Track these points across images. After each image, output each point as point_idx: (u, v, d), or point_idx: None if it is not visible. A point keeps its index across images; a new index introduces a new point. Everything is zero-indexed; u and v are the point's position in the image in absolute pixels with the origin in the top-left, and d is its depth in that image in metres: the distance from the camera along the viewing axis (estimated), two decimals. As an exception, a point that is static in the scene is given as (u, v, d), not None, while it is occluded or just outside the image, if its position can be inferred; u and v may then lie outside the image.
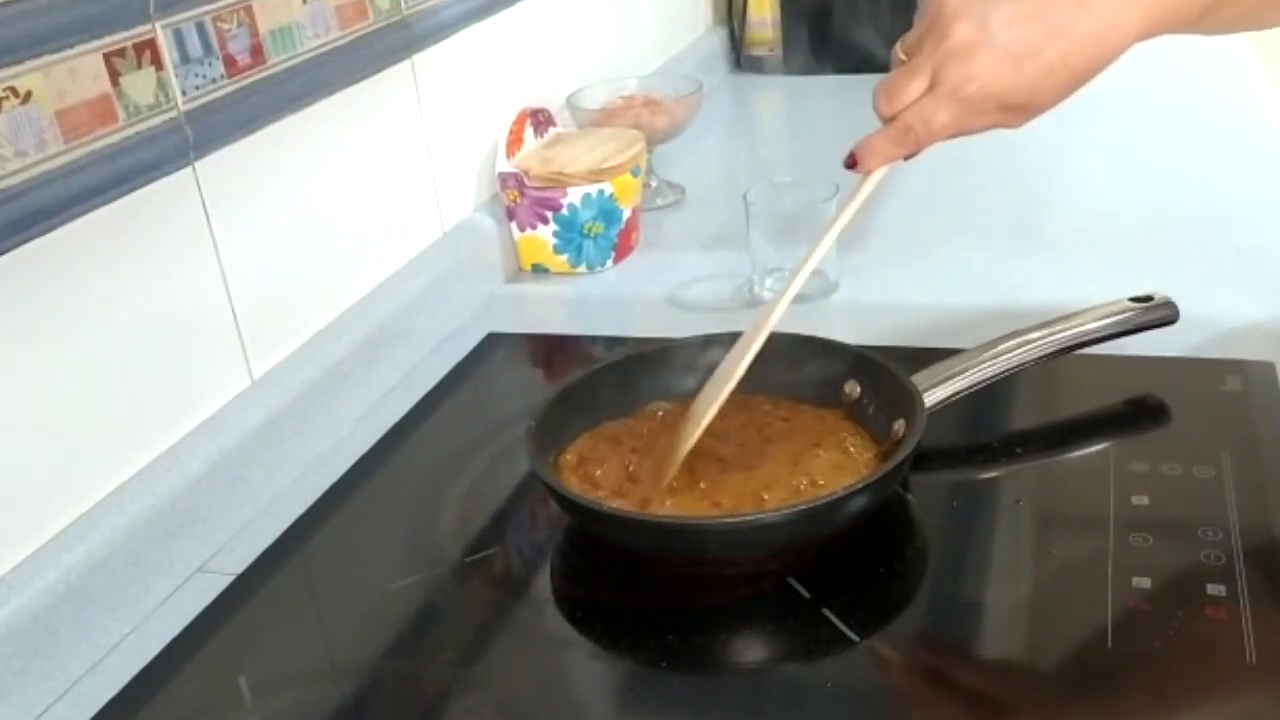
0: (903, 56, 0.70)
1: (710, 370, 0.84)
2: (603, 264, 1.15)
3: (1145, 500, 0.73)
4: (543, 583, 0.74)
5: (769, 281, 1.06)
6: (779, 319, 0.75)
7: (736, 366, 0.74)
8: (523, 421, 0.77)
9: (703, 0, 1.81)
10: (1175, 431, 0.81)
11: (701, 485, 0.74)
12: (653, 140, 1.25)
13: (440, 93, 1.08)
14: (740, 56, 1.80)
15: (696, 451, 0.76)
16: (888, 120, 0.69)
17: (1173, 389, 0.84)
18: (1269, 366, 0.85)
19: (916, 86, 0.67)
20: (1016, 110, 0.67)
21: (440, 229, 1.10)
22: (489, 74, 1.17)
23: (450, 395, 0.96)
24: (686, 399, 0.82)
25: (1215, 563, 0.67)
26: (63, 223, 0.69)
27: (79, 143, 0.70)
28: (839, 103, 1.62)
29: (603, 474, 0.76)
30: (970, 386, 0.79)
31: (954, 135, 0.69)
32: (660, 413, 0.82)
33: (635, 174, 1.15)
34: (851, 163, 0.72)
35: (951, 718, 0.62)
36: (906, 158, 0.70)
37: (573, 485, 0.75)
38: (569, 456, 0.78)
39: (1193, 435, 0.79)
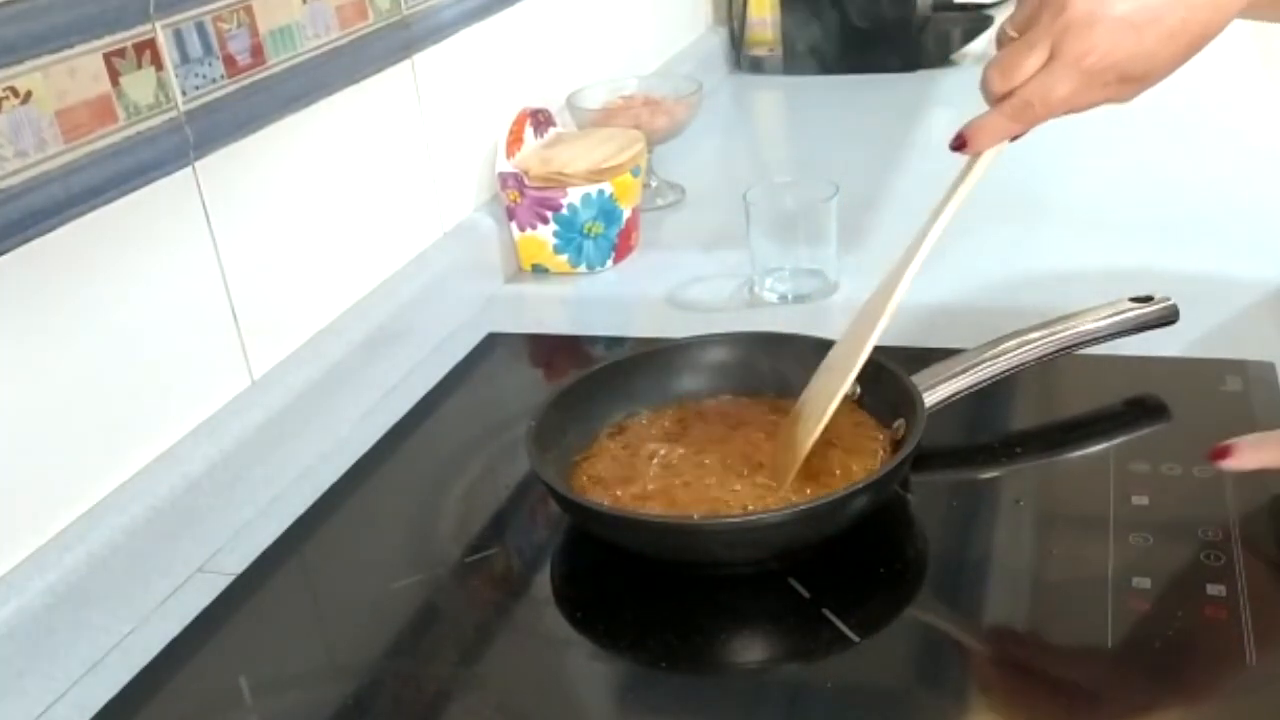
0: (1013, 34, 0.68)
1: (710, 370, 0.84)
2: (603, 264, 1.15)
3: (1145, 500, 0.73)
4: (543, 583, 0.74)
5: (769, 281, 1.06)
6: (892, 313, 0.73)
7: (853, 359, 0.73)
8: (523, 421, 0.77)
9: (703, 0, 1.81)
10: (1175, 431, 0.81)
11: (701, 481, 0.74)
12: (653, 140, 1.25)
13: (440, 93, 1.08)
14: (740, 56, 1.80)
15: (698, 449, 0.76)
16: (1000, 99, 0.68)
17: (1173, 389, 0.84)
18: (1269, 366, 0.85)
19: (1034, 60, 0.66)
20: (1134, 80, 0.66)
21: (440, 229, 1.10)
22: (489, 74, 1.17)
23: (450, 395, 0.96)
24: (689, 398, 0.82)
25: (1215, 563, 0.67)
26: (63, 223, 0.69)
27: (79, 143, 0.70)
28: (839, 103, 1.62)
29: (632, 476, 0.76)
30: (970, 386, 0.79)
31: (1068, 111, 0.67)
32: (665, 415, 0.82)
33: (635, 174, 1.15)
34: (960, 143, 0.70)
35: (951, 717, 0.62)
36: (1015, 137, 0.69)
37: (593, 491, 0.75)
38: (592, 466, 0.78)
39: (1193, 435, 0.79)
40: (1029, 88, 0.67)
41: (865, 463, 0.75)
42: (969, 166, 0.71)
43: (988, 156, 0.70)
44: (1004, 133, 0.69)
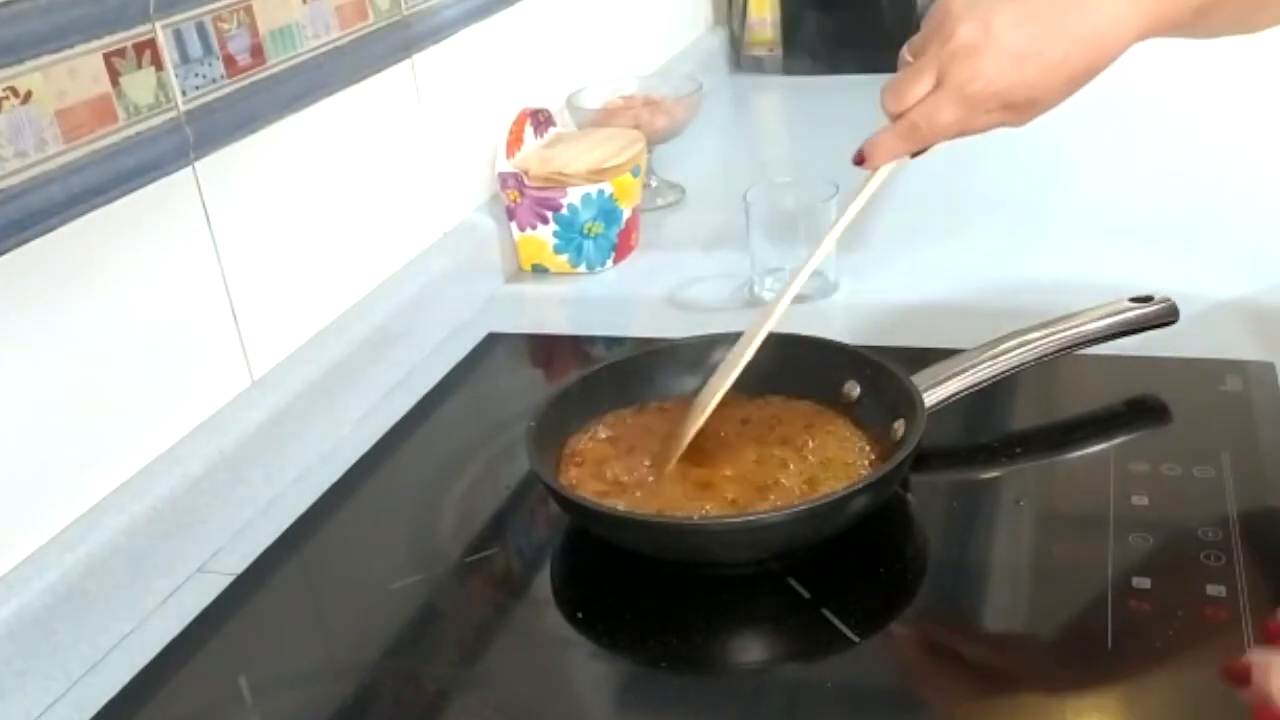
0: (909, 58, 0.72)
1: (710, 370, 0.84)
2: (603, 264, 1.15)
3: (1145, 500, 0.73)
4: (543, 583, 0.74)
5: (769, 281, 1.06)
6: (783, 312, 0.76)
7: (740, 357, 0.76)
8: (523, 421, 0.77)
9: (703, 0, 1.81)
10: (1175, 431, 0.81)
11: (707, 482, 0.74)
12: (653, 140, 1.25)
13: (440, 93, 1.08)
14: (740, 56, 1.80)
15: (700, 450, 0.76)
16: (895, 118, 0.72)
17: (1173, 389, 0.84)
18: (1269, 366, 0.85)
19: (922, 86, 0.70)
20: (1020, 108, 0.69)
21: (440, 229, 1.10)
22: (489, 74, 1.17)
23: (450, 395, 0.96)
24: (688, 398, 0.82)
25: (1215, 563, 0.67)
26: (63, 223, 0.69)
27: (79, 143, 0.70)
28: (839, 103, 1.62)
29: (609, 469, 0.76)
30: (970, 386, 0.79)
31: (959, 134, 0.71)
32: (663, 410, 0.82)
33: (635, 174, 1.15)
34: (860, 159, 0.74)
35: (951, 717, 0.62)
36: (914, 155, 0.73)
37: (573, 478, 0.75)
38: (573, 450, 0.79)
39: (1193, 435, 0.79)
40: (916, 111, 0.70)
41: (848, 473, 0.75)
42: (868, 179, 0.75)
43: (885, 170, 0.74)
44: (897, 151, 0.73)
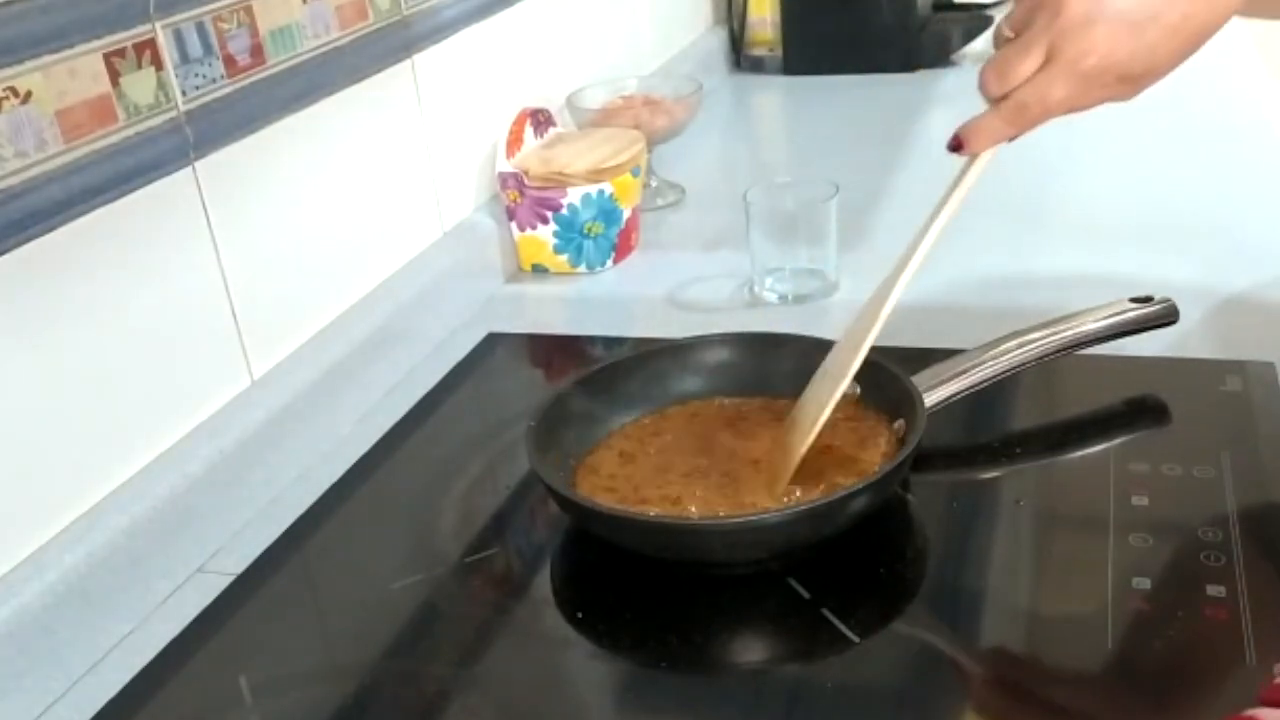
0: (1009, 34, 0.68)
1: (710, 370, 0.84)
2: (603, 264, 1.15)
3: (1145, 500, 0.73)
4: (543, 583, 0.74)
5: (769, 281, 1.06)
6: (887, 317, 0.73)
7: (848, 365, 0.73)
8: (523, 421, 0.77)
9: (703, 0, 1.81)
10: (1175, 431, 0.81)
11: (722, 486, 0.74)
12: (653, 140, 1.25)
13: (440, 93, 1.08)
14: (740, 56, 1.80)
15: (698, 449, 0.76)
16: (997, 100, 0.68)
17: (1173, 389, 0.84)
18: (1269, 366, 0.85)
19: (1031, 63, 0.66)
20: (1134, 80, 0.66)
21: (440, 229, 1.10)
22: (489, 74, 1.17)
23: (450, 395, 0.96)
24: (689, 398, 0.82)
25: (1215, 563, 0.67)
26: (63, 223, 0.69)
27: (79, 143, 0.70)
28: (839, 103, 1.62)
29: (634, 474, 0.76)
30: (970, 386, 0.79)
31: (1069, 111, 0.67)
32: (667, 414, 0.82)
33: (635, 174, 1.15)
34: (956, 145, 0.70)
35: (949, 717, 0.62)
36: (1012, 138, 0.68)
37: (593, 490, 0.75)
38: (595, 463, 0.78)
39: (1193, 435, 0.79)
40: (1025, 90, 0.66)
41: (867, 464, 0.74)
42: (966, 167, 0.71)
43: (984, 158, 0.70)
44: (1001, 135, 0.68)
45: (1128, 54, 0.64)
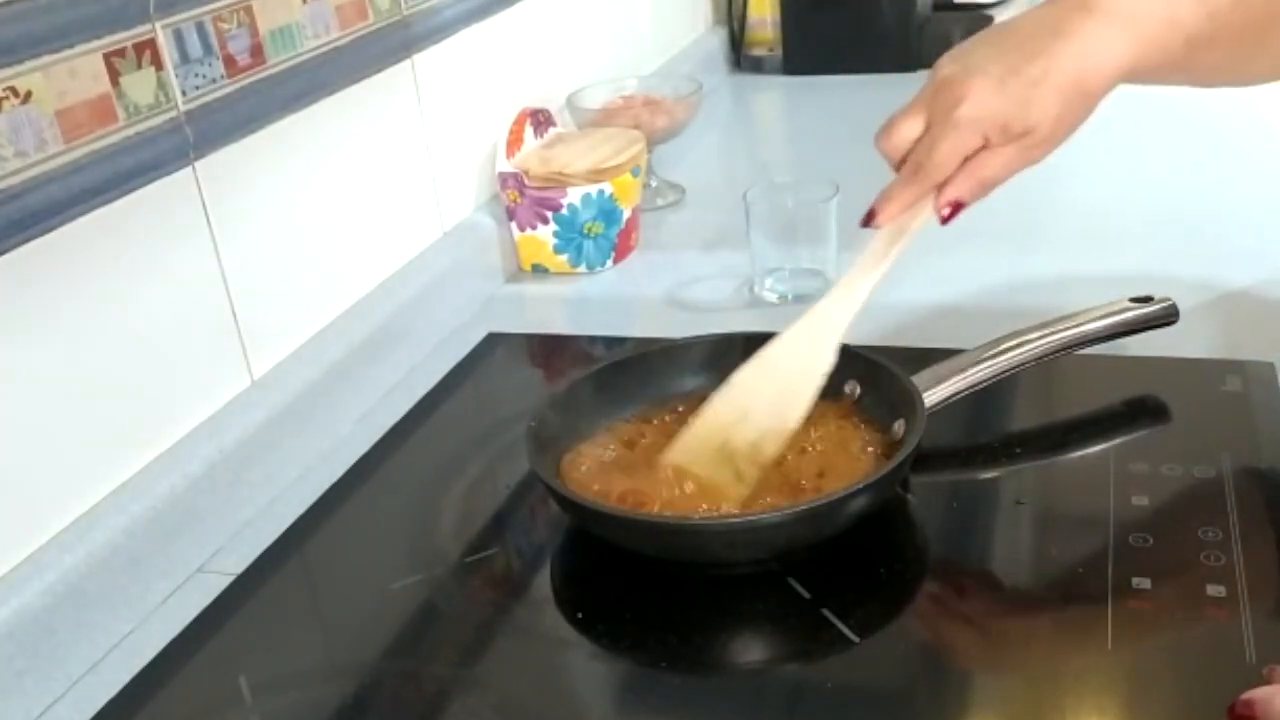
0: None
1: (710, 370, 0.84)
2: (603, 264, 1.15)
3: (1145, 500, 0.73)
4: (543, 583, 0.74)
5: (769, 281, 1.06)
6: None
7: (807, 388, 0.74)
8: (522, 421, 0.77)
9: (703, 0, 1.81)
10: (1175, 431, 0.81)
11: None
12: (653, 140, 1.25)
13: (440, 93, 1.08)
14: (740, 56, 1.80)
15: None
16: (897, 167, 0.71)
17: (1173, 389, 0.84)
18: (1269, 366, 0.85)
19: (913, 122, 0.70)
20: (1024, 137, 0.68)
21: (440, 229, 1.10)
22: (489, 74, 1.17)
23: (450, 395, 0.96)
24: (688, 399, 0.82)
25: (1215, 563, 0.67)
26: (63, 223, 0.69)
27: (79, 143, 0.70)
28: (839, 103, 1.62)
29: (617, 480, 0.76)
30: (970, 386, 0.79)
31: (980, 182, 0.69)
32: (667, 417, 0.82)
33: (635, 174, 1.15)
34: (868, 217, 0.72)
35: (950, 717, 0.62)
36: (944, 219, 0.70)
37: (577, 487, 0.75)
38: (577, 460, 0.78)
39: (1193, 435, 0.79)
40: (916, 150, 0.69)
41: (854, 469, 0.74)
42: (884, 238, 0.72)
43: (903, 227, 0.72)
44: (906, 198, 0.70)
45: (1000, 106, 0.67)
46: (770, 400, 0.75)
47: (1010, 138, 0.68)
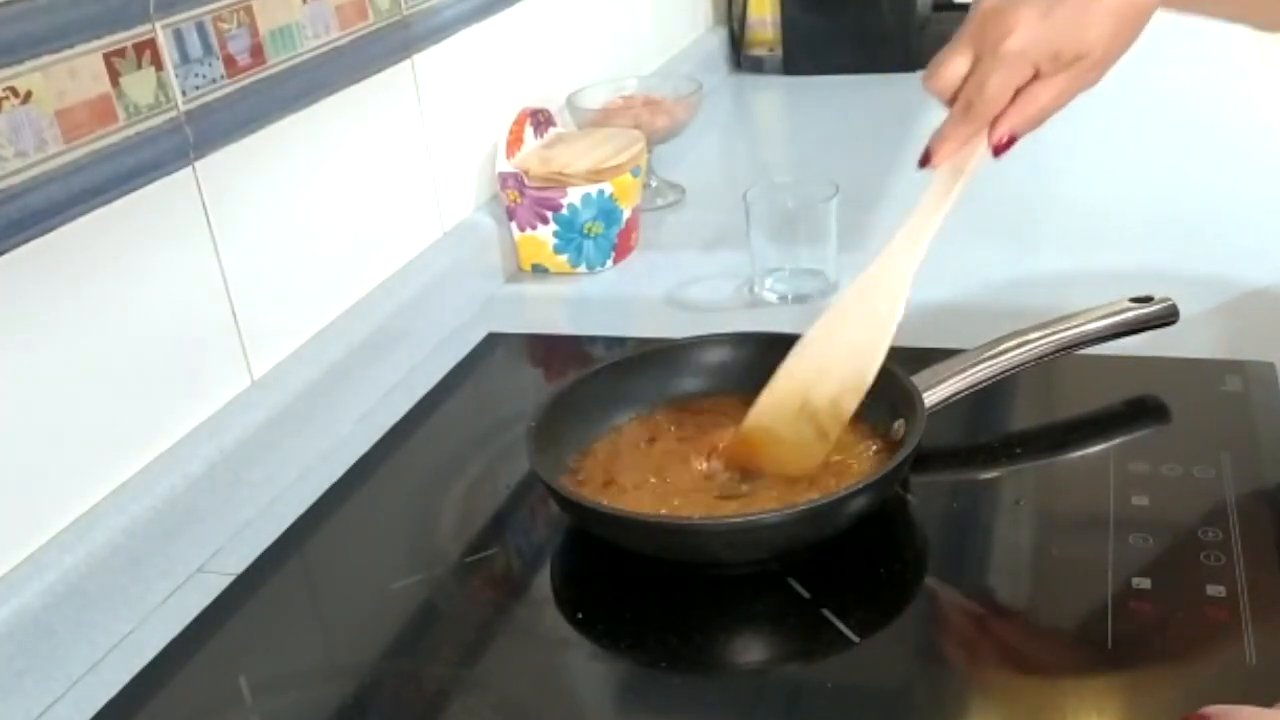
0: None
1: (711, 370, 0.84)
2: (603, 264, 1.15)
3: (1145, 500, 0.73)
4: (543, 583, 0.74)
5: (769, 281, 1.06)
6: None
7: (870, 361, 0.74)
8: (523, 421, 0.77)
9: (703, 0, 1.81)
10: (1175, 431, 0.81)
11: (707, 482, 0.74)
12: (653, 140, 1.25)
13: (440, 93, 1.08)
14: (740, 57, 1.80)
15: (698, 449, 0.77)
16: (948, 105, 0.70)
17: (1173, 389, 0.84)
18: (1269, 366, 0.85)
19: (960, 60, 0.68)
20: (1071, 60, 0.66)
21: (440, 229, 1.10)
22: (489, 74, 1.17)
23: (450, 395, 0.96)
24: (688, 399, 0.82)
25: (1215, 563, 0.67)
26: (63, 223, 0.69)
27: (79, 143, 0.70)
28: (839, 103, 1.62)
29: (627, 478, 0.76)
30: (970, 386, 0.79)
31: (1036, 113, 0.68)
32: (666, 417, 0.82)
33: (635, 174, 1.15)
34: (925, 158, 0.71)
35: (951, 718, 0.62)
36: (997, 151, 0.69)
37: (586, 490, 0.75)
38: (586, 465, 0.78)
39: (1193, 435, 0.79)
40: (966, 88, 0.68)
41: (854, 469, 0.75)
42: (945, 178, 0.71)
43: (961, 166, 0.70)
44: (961, 136, 0.69)
45: (1047, 31, 0.66)
46: (846, 355, 0.75)
47: (1062, 65, 0.67)
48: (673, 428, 0.81)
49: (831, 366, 0.75)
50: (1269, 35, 1.54)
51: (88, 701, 0.67)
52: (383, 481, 0.85)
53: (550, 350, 1.05)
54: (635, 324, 1.06)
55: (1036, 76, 0.67)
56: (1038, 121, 0.69)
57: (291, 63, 0.87)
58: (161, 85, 0.76)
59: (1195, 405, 0.83)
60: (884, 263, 0.74)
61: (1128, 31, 0.67)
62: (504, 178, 1.12)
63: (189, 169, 0.79)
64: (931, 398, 0.77)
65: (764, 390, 0.76)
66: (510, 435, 0.84)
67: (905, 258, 0.73)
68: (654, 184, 1.31)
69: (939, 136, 0.70)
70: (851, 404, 0.74)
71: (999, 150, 0.69)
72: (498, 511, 0.80)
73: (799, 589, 0.69)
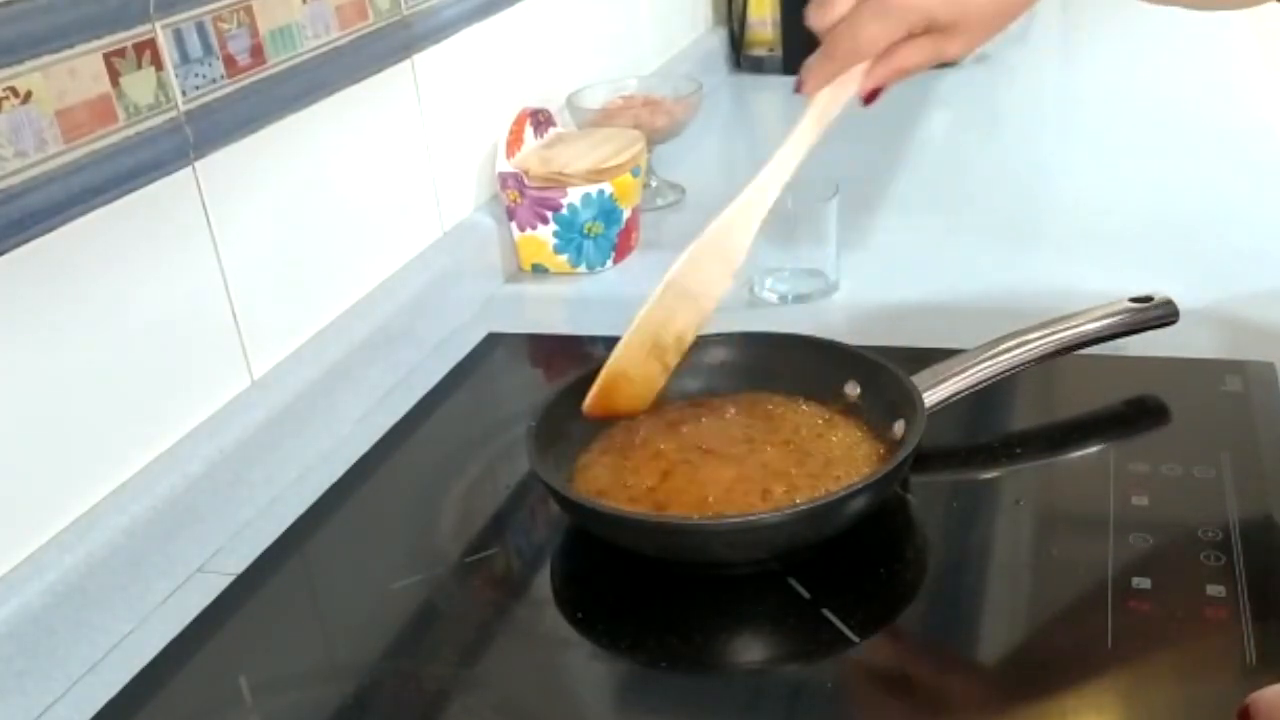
0: None
1: (710, 370, 0.84)
2: (603, 264, 1.15)
3: (1145, 500, 0.73)
4: (543, 583, 0.74)
5: (769, 281, 1.06)
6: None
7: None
8: (522, 421, 0.77)
9: (703, 0, 1.81)
10: (1175, 431, 0.81)
11: (702, 482, 0.74)
12: (653, 140, 1.25)
13: (440, 93, 1.08)
14: (740, 57, 1.80)
15: (698, 449, 0.76)
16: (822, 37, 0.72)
17: (1173, 389, 0.84)
18: (1269, 366, 0.85)
19: (846, 4, 0.70)
20: (945, 31, 0.69)
21: (440, 229, 1.10)
22: (489, 74, 1.17)
23: (450, 395, 0.96)
24: (688, 398, 0.82)
25: (1215, 563, 0.67)
26: (63, 223, 0.69)
27: (79, 143, 0.70)
28: (839, 103, 1.62)
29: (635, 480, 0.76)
30: (970, 386, 0.79)
31: (895, 69, 0.70)
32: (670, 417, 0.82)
33: (635, 174, 1.15)
34: (799, 86, 0.74)
35: (951, 718, 0.62)
36: (867, 99, 0.72)
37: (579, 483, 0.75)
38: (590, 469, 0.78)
39: (1193, 435, 0.79)
40: (841, 26, 0.70)
41: (854, 469, 0.74)
42: (809, 107, 0.76)
43: (826, 106, 0.74)
44: (825, 73, 0.72)
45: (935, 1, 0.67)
46: (693, 295, 0.78)
47: (934, 30, 0.69)
48: (672, 427, 0.81)
49: (678, 307, 0.78)
50: (1269, 36, 1.54)
51: (87, 702, 0.67)
52: (383, 482, 0.85)
53: (550, 350, 1.05)
54: (635, 324, 1.06)
55: (908, 35, 0.69)
56: (900, 78, 0.71)
57: (291, 63, 0.87)
58: (161, 85, 0.76)
59: (1195, 405, 0.83)
60: (737, 207, 0.79)
61: (1006, 14, 0.69)
62: (504, 178, 1.12)
63: (189, 169, 0.79)
64: (931, 398, 0.77)
65: (620, 341, 0.78)
66: (510, 435, 0.84)
67: (759, 201, 0.78)
68: (654, 184, 1.31)
69: (807, 68, 0.73)
70: (691, 335, 0.78)
71: (869, 100, 0.72)
72: (498, 511, 0.80)
73: (799, 589, 0.69)
